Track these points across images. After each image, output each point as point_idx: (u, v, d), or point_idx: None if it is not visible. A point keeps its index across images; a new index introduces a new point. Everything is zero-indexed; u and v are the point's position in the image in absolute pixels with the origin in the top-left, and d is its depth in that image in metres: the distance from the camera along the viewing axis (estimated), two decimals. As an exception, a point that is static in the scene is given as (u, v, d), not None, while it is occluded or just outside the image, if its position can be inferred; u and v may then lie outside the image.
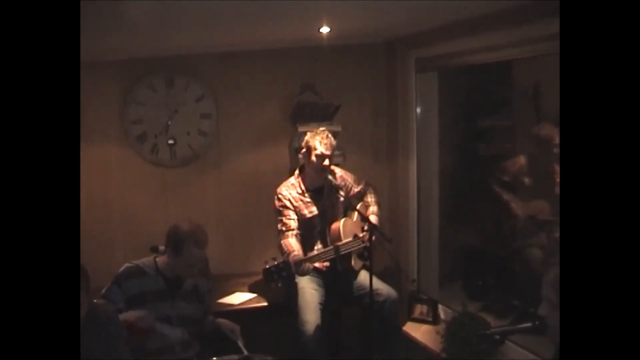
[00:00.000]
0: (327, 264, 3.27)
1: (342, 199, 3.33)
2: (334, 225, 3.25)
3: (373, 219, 3.34)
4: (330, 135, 3.23)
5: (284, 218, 3.20)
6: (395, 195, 4.21)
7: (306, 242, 3.24)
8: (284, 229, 3.18)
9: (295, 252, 3.00)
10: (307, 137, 3.22)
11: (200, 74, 4.13)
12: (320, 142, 3.15)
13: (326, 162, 3.18)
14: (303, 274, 2.98)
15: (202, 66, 4.12)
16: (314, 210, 3.28)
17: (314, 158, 3.16)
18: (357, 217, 3.40)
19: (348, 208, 3.47)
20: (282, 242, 3.14)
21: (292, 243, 3.10)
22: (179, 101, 4.09)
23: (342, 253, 3.12)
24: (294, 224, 3.19)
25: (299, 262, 2.87)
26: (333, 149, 3.22)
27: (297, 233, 3.19)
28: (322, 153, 3.15)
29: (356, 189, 3.50)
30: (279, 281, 2.79)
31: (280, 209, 3.23)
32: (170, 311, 2.67)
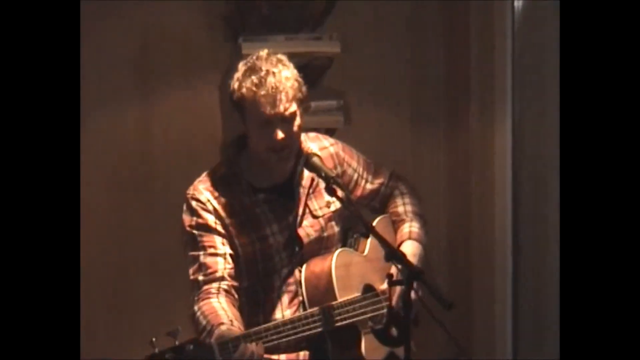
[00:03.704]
0: (305, 352, 2.80)
1: (337, 203, 2.84)
2: (318, 265, 2.81)
3: (409, 250, 2.79)
4: (285, 69, 2.74)
5: (201, 253, 2.79)
6: (463, 201, 3.83)
7: (256, 302, 2.85)
8: (200, 277, 2.74)
9: (225, 324, 2.61)
10: (234, 78, 2.82)
11: None
12: (257, 90, 2.69)
13: (279, 134, 2.75)
14: None
15: None
16: (272, 232, 2.83)
17: (254, 127, 2.81)
18: (370, 247, 2.89)
19: (350, 226, 2.96)
20: (197, 306, 2.70)
21: (217, 307, 2.68)
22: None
23: (339, 324, 2.72)
24: (222, 264, 2.77)
25: (228, 342, 2.49)
26: (298, 99, 2.75)
27: (232, 285, 2.74)
28: (266, 114, 2.73)
29: (370, 186, 3.00)
30: None
31: (194, 232, 2.80)
32: None
